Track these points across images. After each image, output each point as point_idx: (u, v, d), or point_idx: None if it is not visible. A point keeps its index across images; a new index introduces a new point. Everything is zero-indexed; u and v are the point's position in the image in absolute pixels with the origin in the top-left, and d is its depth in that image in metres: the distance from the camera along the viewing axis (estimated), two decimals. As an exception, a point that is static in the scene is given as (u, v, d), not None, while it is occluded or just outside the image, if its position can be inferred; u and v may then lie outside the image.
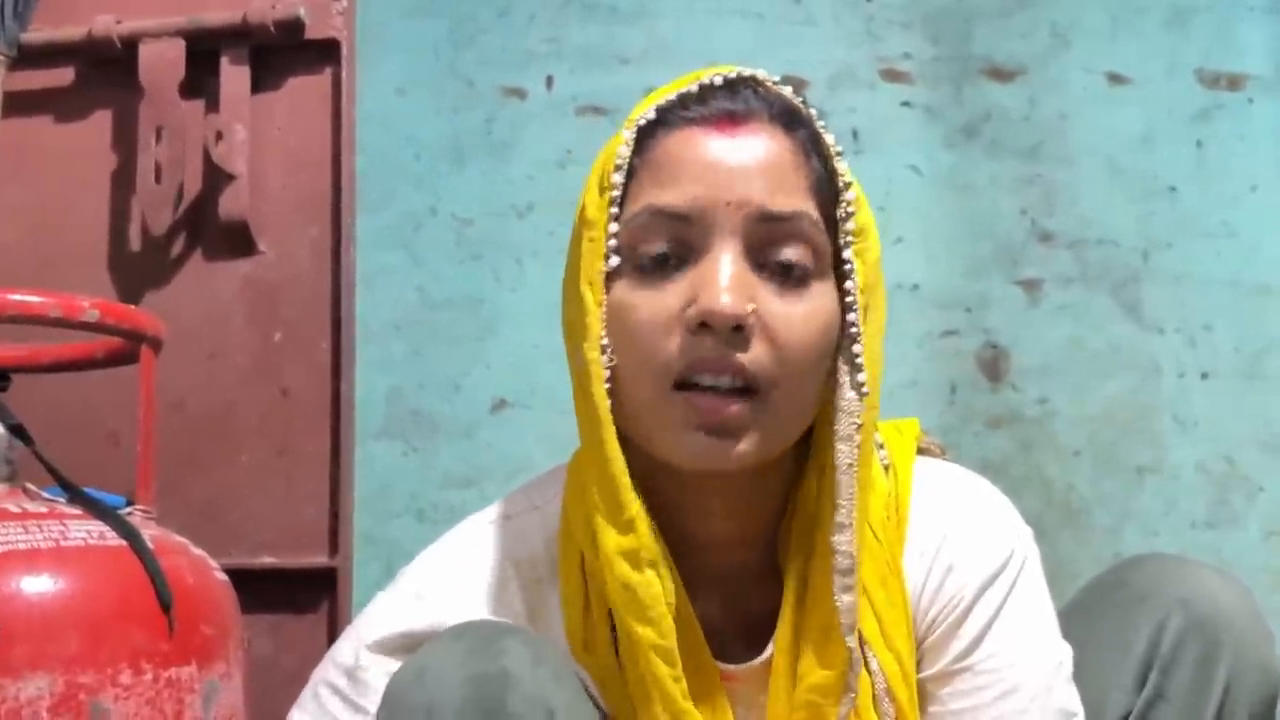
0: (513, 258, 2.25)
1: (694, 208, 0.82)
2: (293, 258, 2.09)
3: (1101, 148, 2.24)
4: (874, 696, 0.88)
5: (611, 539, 0.83)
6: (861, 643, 0.88)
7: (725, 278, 0.81)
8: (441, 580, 0.93)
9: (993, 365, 2.21)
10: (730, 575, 0.91)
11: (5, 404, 1.47)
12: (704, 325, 0.80)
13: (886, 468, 0.95)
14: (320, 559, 2.01)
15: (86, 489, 1.49)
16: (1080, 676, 0.91)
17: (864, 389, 0.85)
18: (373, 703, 0.86)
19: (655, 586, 0.82)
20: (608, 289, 0.85)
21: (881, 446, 0.96)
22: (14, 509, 1.38)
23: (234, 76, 2.07)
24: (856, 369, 0.85)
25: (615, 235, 0.85)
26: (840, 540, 0.84)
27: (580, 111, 2.28)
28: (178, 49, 2.05)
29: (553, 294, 2.20)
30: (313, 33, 2.09)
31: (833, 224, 0.86)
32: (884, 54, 2.27)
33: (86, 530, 1.39)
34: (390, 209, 2.25)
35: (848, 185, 0.87)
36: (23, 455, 1.46)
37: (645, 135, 0.86)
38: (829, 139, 0.88)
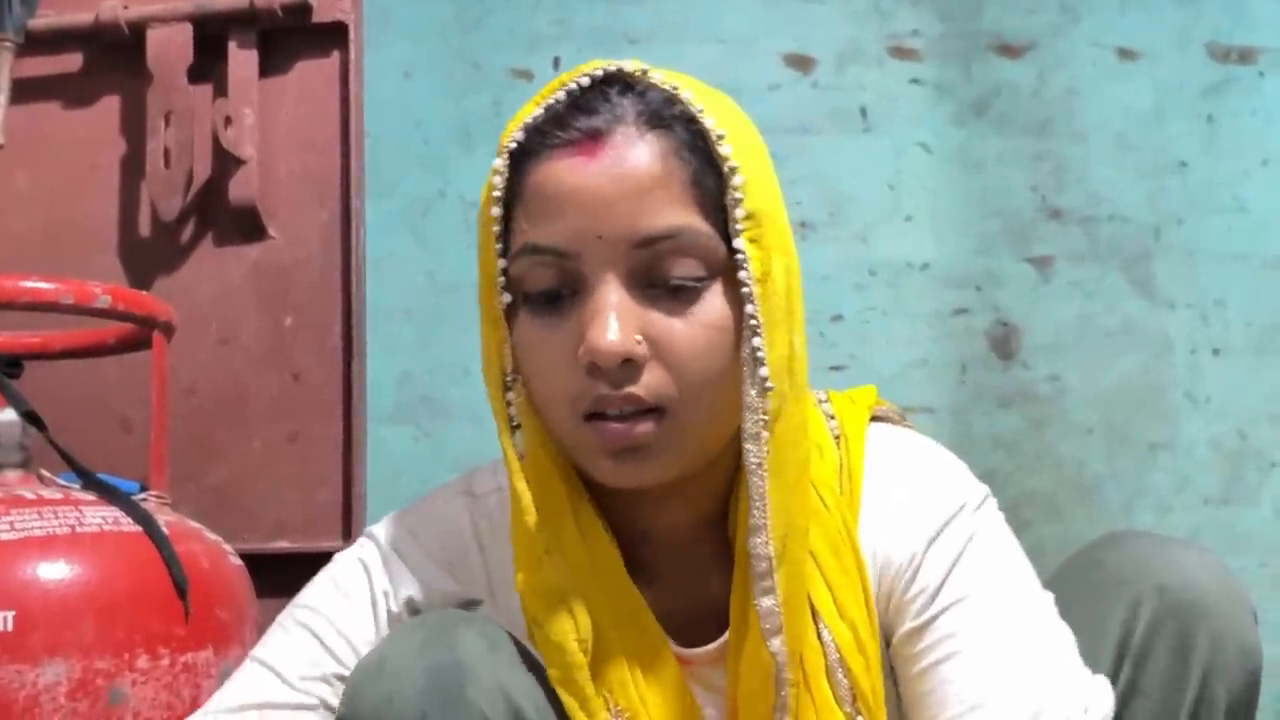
0: (522, 240, 2.24)
1: (570, 244, 0.81)
2: (303, 242, 2.09)
3: (1112, 123, 2.23)
4: (827, 668, 0.88)
5: (520, 575, 0.86)
6: (814, 613, 0.88)
7: (608, 315, 0.80)
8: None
9: (1004, 343, 2.21)
10: (685, 559, 0.91)
11: (18, 391, 1.48)
12: (594, 365, 0.80)
13: (837, 438, 0.95)
14: (334, 543, 2.01)
15: (100, 475, 1.49)
16: None
17: (767, 384, 0.83)
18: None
19: (565, 628, 0.84)
20: (511, 320, 0.85)
21: (833, 418, 0.96)
22: (29, 495, 1.39)
23: (242, 61, 2.07)
24: (758, 363, 0.82)
25: (504, 271, 0.85)
26: (756, 543, 0.84)
27: (587, 92, 2.27)
28: (185, 34, 2.05)
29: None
30: (320, 16, 2.09)
31: (723, 213, 0.83)
32: (892, 31, 2.26)
33: (102, 516, 1.39)
34: (398, 193, 2.24)
35: (734, 170, 0.83)
36: (37, 442, 1.47)
37: (517, 161, 0.84)
38: (709, 123, 0.83)
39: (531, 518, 0.85)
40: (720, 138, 0.83)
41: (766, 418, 0.83)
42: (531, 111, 0.85)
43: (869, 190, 2.17)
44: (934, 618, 0.87)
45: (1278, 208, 2.21)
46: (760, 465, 0.83)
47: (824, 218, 2.14)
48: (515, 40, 2.28)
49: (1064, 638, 0.87)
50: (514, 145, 0.85)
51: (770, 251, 0.84)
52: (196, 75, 2.07)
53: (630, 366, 0.81)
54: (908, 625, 0.89)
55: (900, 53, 2.25)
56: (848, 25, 2.25)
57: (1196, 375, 2.19)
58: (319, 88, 2.11)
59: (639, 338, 0.81)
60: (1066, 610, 0.88)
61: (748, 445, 0.83)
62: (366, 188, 2.14)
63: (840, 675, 0.88)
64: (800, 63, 2.22)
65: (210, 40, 2.07)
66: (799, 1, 2.26)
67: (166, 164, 2.05)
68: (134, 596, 1.35)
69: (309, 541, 2.02)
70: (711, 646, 0.89)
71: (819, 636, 0.88)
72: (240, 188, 2.05)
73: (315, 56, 2.11)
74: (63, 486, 1.46)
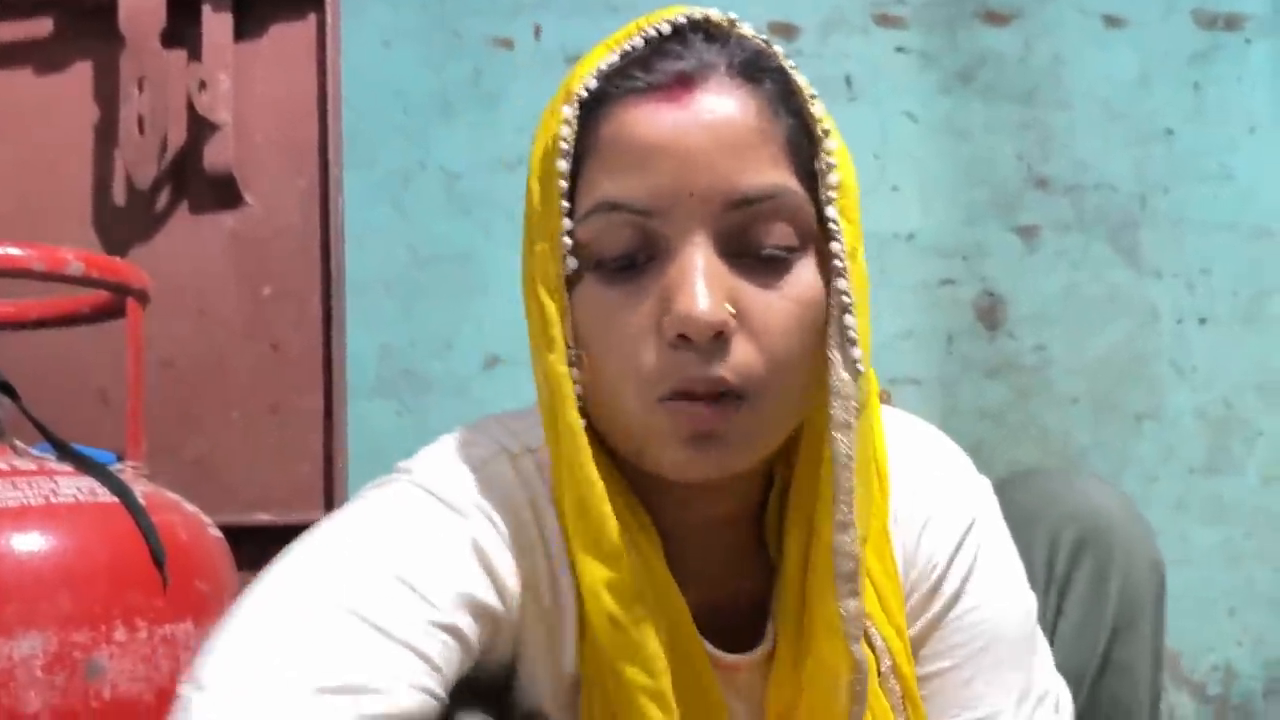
0: (503, 212, 2.22)
1: (656, 201, 0.73)
2: (281, 210, 2.06)
3: (1097, 91, 2.23)
4: (879, 674, 0.82)
5: (592, 569, 0.76)
6: (866, 615, 0.81)
7: (699, 281, 0.71)
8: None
9: (990, 313, 2.20)
10: (715, 557, 0.84)
11: (-9, 360, 1.45)
12: (682, 337, 0.72)
13: None
14: (315, 515, 1.98)
15: (76, 446, 1.46)
16: None
17: (859, 366, 0.75)
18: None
19: (646, 624, 0.76)
20: (571, 290, 0.76)
21: None
22: (3, 466, 1.36)
23: (216, 24, 2.03)
24: (850, 343, 0.75)
25: (569, 233, 0.75)
26: (843, 540, 0.76)
27: (569, 61, 2.24)
28: (158, -3, 2.02)
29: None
30: (296, -22, 2.05)
31: (812, 179, 0.76)
32: (877, -1, 2.24)
33: (77, 487, 1.37)
34: (378, 164, 2.22)
35: (826, 133, 0.77)
36: (10, 412, 1.44)
37: (589, 109, 0.75)
38: (801, 81, 0.77)
39: (608, 507, 0.75)
40: (813, 97, 0.77)
41: (857, 405, 0.76)
42: (604, 56, 0.76)
43: (854, 160, 2.15)
44: (949, 622, 0.85)
45: (1264, 175, 2.21)
46: (850, 457, 0.76)
47: (809, 186, 2.12)
48: (495, 8, 2.26)
49: (1044, 644, 0.89)
50: (585, 93, 0.75)
51: (857, 226, 0.78)
52: (170, 39, 2.02)
53: (720, 341, 0.72)
54: (919, 625, 0.85)
55: (885, 20, 2.24)
56: (832, -8, 2.23)
57: (1182, 344, 2.19)
58: (296, 53, 2.07)
59: (731, 308, 0.72)
60: None
61: (837, 435, 0.75)
62: (345, 158, 2.11)
63: (893, 681, 0.83)
64: (784, 31, 2.20)
65: (183, 4, 2.03)
66: (783, -32, 2.24)
67: (140, 130, 2.01)
68: (111, 568, 1.33)
69: (289, 514, 2.00)
70: (758, 652, 0.83)
71: (870, 644, 0.82)
72: (216, 154, 2.02)
73: (291, 20, 2.07)
74: (37, 458, 1.43)
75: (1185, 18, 2.23)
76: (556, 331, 0.76)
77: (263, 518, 2.00)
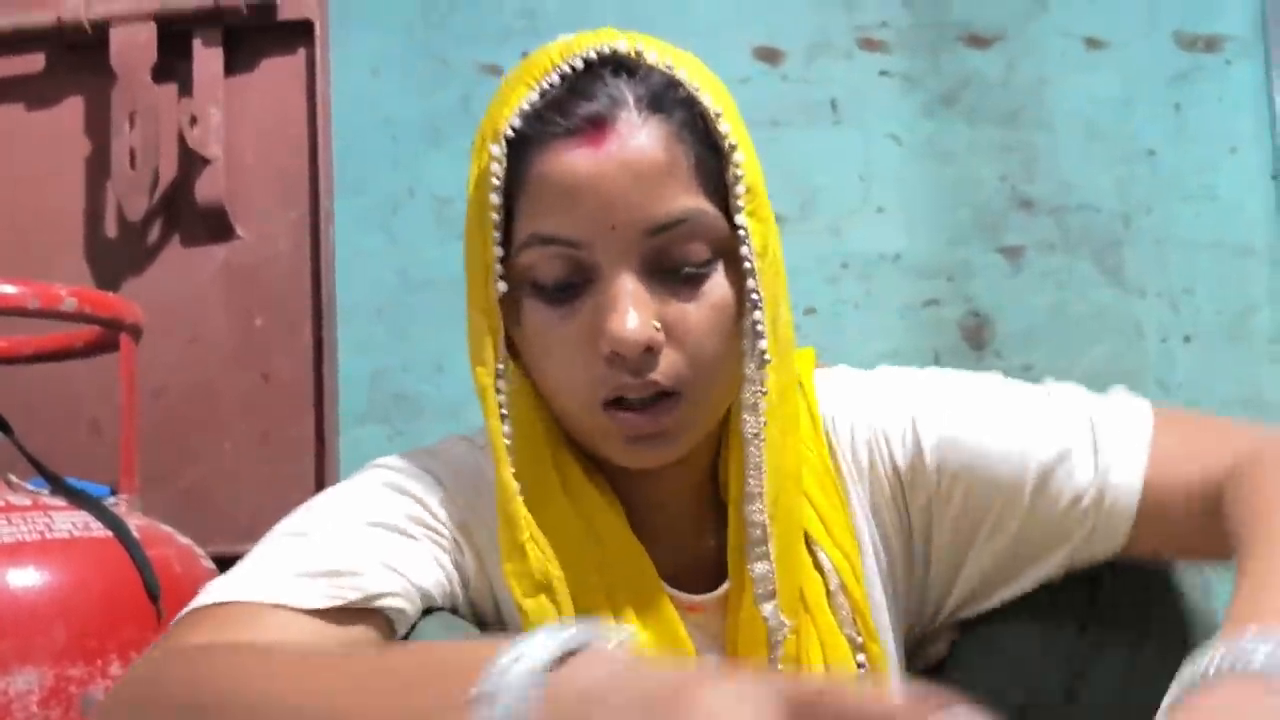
0: (493, 236, 2.24)
1: (582, 235, 0.81)
2: (272, 241, 2.08)
3: (1080, 112, 2.24)
4: (828, 593, 0.91)
5: (505, 561, 0.86)
6: (810, 543, 0.91)
7: (626, 304, 0.81)
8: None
9: (976, 333, 2.21)
10: (682, 520, 0.93)
11: (-15, 396, 1.46)
12: (615, 354, 0.81)
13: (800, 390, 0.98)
14: (307, 544, 2.00)
15: (70, 479, 1.48)
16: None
17: (765, 356, 0.85)
18: None
19: (543, 611, 0.85)
20: (515, 309, 0.85)
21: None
22: (-3, 502, 1.37)
23: (207, 59, 2.05)
24: (758, 336, 0.85)
25: (502, 260, 0.84)
26: (751, 510, 0.87)
27: (557, 87, 2.27)
28: (149, 32, 2.03)
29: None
30: (285, 13, 2.08)
31: (723, 190, 0.84)
32: (861, 22, 2.26)
33: (71, 522, 1.38)
34: (368, 191, 2.23)
35: (734, 147, 0.84)
36: (4, 447, 1.45)
37: (515, 146, 0.83)
38: (707, 103, 0.84)
39: (517, 505, 0.86)
40: (718, 116, 0.84)
41: (764, 389, 0.86)
42: (525, 95, 0.83)
43: (840, 182, 2.17)
44: (941, 482, 0.92)
45: (1246, 194, 2.23)
46: (757, 435, 0.86)
47: (795, 210, 2.14)
48: (483, 35, 2.27)
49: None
50: (511, 133, 0.82)
51: (766, 224, 0.86)
52: (161, 74, 2.05)
53: (650, 354, 0.82)
54: (919, 502, 0.93)
55: (869, 44, 2.25)
56: (816, 17, 2.25)
57: (1168, 363, 2.20)
58: (285, 86, 2.09)
59: (656, 324, 0.82)
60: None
61: (745, 416, 0.86)
62: (336, 186, 2.13)
63: (841, 599, 0.91)
64: (769, 55, 2.22)
65: (174, 39, 2.05)
66: (768, -7, 2.26)
67: (132, 164, 2.03)
68: (105, 603, 1.35)
69: (282, 543, 2.01)
70: (712, 595, 0.92)
71: (817, 565, 0.91)
72: (207, 187, 2.04)
73: (281, 54, 2.10)
74: (31, 492, 1.45)
75: (1166, 39, 2.25)
76: (485, 348, 0.86)
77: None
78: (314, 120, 2.07)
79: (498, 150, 0.82)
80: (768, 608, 0.88)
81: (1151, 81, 2.24)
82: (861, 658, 0.91)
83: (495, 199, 0.83)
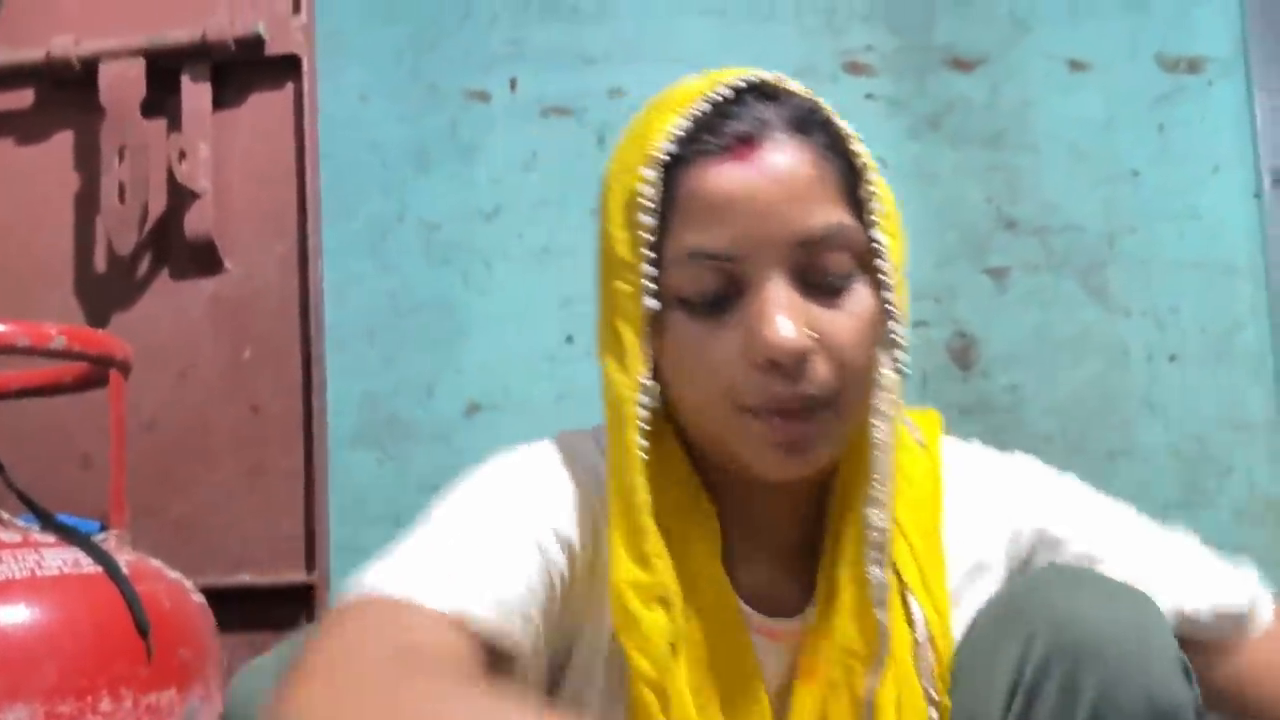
0: (481, 261, 2.25)
1: (736, 248, 0.84)
2: (260, 274, 2.09)
3: (1064, 134, 2.25)
4: (913, 643, 0.91)
5: (624, 569, 0.86)
6: (904, 589, 0.92)
7: (782, 313, 0.83)
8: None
9: (963, 354, 2.23)
10: (776, 538, 0.94)
11: (-26, 435, 1.47)
12: (771, 362, 0.83)
13: (923, 447, 1.00)
14: (297, 575, 2.01)
15: (60, 515, 1.49)
16: (958, 684, 0.90)
17: (900, 366, 0.88)
18: None
19: (661, 624, 0.86)
20: (658, 324, 0.87)
21: (915, 429, 1.01)
22: (-12, 540, 1.38)
23: (195, 94, 2.06)
24: (895, 345, 0.88)
25: (652, 277, 0.86)
26: (874, 514, 0.88)
27: (544, 113, 2.29)
28: (138, 68, 2.05)
29: (522, 296, 2.24)
30: (273, 48, 2.09)
31: (859, 208, 0.87)
32: (846, 47, 2.27)
33: (61, 559, 1.39)
34: (358, 216, 2.25)
35: (867, 167, 0.88)
36: (-5, 485, 1.46)
37: (664, 168, 0.86)
38: (842, 125, 0.89)
39: (647, 518, 0.86)
40: (853, 136, 0.88)
41: (895, 398, 0.89)
42: (673, 121, 0.86)
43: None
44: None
45: (1229, 214, 2.24)
46: (886, 442, 0.89)
47: (781, 235, 2.15)
48: (471, 62, 2.29)
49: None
50: (665, 156, 0.86)
51: (898, 240, 0.89)
52: (150, 109, 2.06)
53: (805, 361, 0.84)
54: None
55: (854, 68, 2.27)
56: (802, 42, 2.27)
57: (1153, 382, 2.21)
58: (273, 120, 2.11)
59: (810, 332, 0.84)
60: (973, 637, 0.91)
61: (877, 422, 0.89)
62: (326, 211, 2.14)
63: (927, 653, 0.91)
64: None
65: (163, 74, 2.06)
66: (753, 20, 2.28)
67: (121, 199, 2.04)
68: (96, 639, 1.36)
69: (272, 574, 2.02)
70: (798, 619, 0.92)
71: (907, 610, 0.92)
72: (196, 221, 2.05)
73: (269, 89, 2.11)
74: (21, 529, 1.46)
75: (1149, 61, 2.27)
76: (633, 361, 0.87)
77: (245, 578, 2.02)
78: (302, 154, 2.09)
79: (650, 173, 0.86)
80: (882, 613, 0.88)
81: (1134, 103, 2.26)
82: (934, 714, 0.90)
83: (648, 219, 0.86)
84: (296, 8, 2.11)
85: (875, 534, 0.89)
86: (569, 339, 2.24)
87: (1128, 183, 2.25)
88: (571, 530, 0.88)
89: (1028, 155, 2.26)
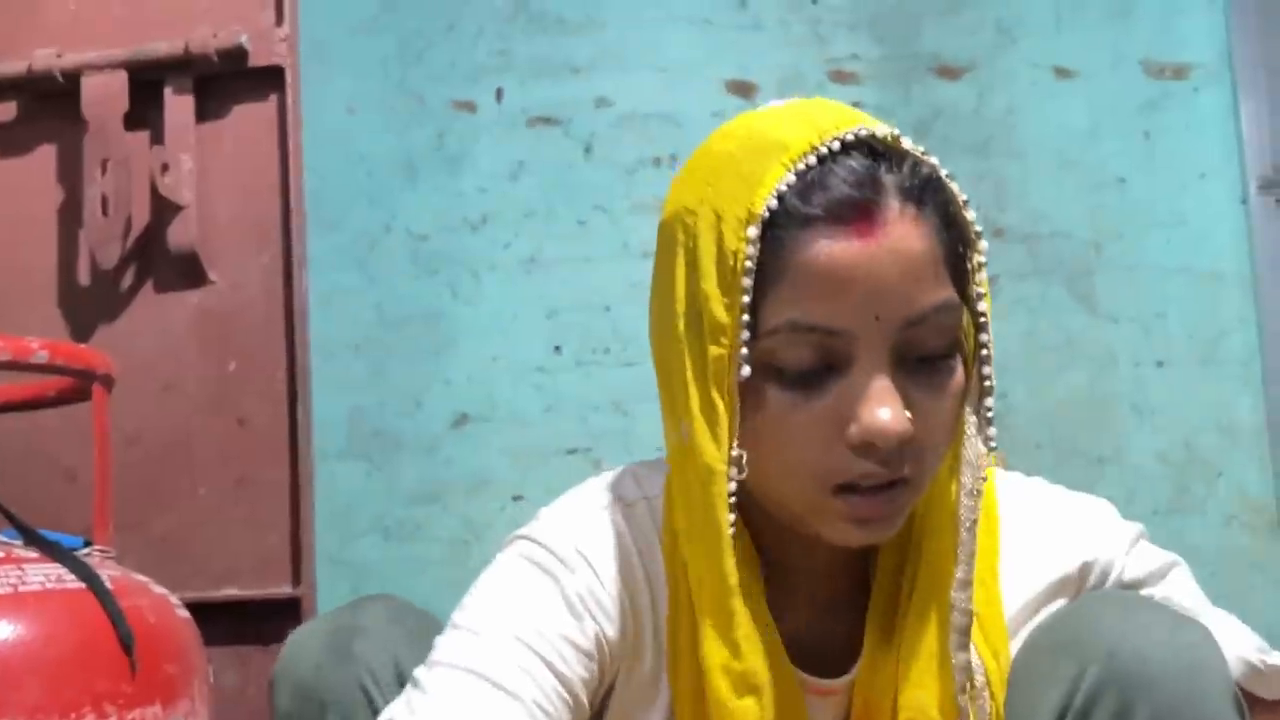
0: (468, 271, 2.25)
1: (844, 325, 0.79)
2: (244, 286, 2.08)
3: (1050, 141, 2.26)
4: (974, 688, 0.89)
5: (716, 654, 0.85)
6: None
7: (885, 396, 0.79)
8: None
9: (951, 362, 2.23)
10: (819, 592, 0.92)
11: (-44, 450, 1.47)
12: (868, 444, 0.79)
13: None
14: (283, 588, 2.00)
15: (43, 530, 1.48)
16: (1008, 706, 0.89)
17: (992, 443, 0.84)
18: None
19: (753, 713, 0.84)
20: (743, 389, 0.82)
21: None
22: (-31, 556, 1.37)
23: (178, 107, 2.06)
24: (987, 423, 0.84)
25: (747, 344, 0.81)
26: (960, 598, 0.85)
27: (531, 123, 2.29)
28: (120, 81, 2.04)
29: (510, 306, 2.23)
30: (256, 60, 2.08)
31: (965, 277, 0.83)
32: (832, 55, 2.28)
33: (44, 574, 1.38)
34: (344, 228, 2.25)
35: (979, 235, 0.83)
36: (-24, 500, 1.45)
37: (766, 225, 0.80)
38: (954, 188, 0.82)
39: (738, 600, 0.84)
40: (965, 203, 0.83)
41: (985, 476, 0.85)
42: (779, 175, 0.80)
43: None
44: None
45: (1216, 220, 2.24)
46: (975, 522, 0.85)
47: (768, 244, 2.15)
48: (457, 72, 2.29)
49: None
50: (767, 214, 0.80)
51: (990, 305, 0.85)
52: (133, 122, 2.05)
53: (902, 446, 0.80)
54: None
55: (840, 76, 2.27)
56: (788, 51, 2.27)
57: (1141, 388, 2.22)
58: (257, 132, 2.10)
59: (910, 417, 0.80)
60: (1025, 662, 0.89)
61: (965, 501, 0.86)
62: (312, 222, 2.13)
63: (985, 700, 0.88)
64: (742, 89, 2.23)
65: (146, 87, 2.06)
66: (738, 29, 2.28)
67: (104, 211, 2.03)
68: (79, 655, 1.34)
69: (258, 588, 2.01)
70: (847, 678, 0.90)
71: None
72: (179, 234, 2.04)
73: (252, 100, 2.10)
74: (4, 544, 1.45)
75: (1134, 68, 2.27)
76: (724, 432, 0.82)
77: (231, 592, 2.01)
78: (285, 165, 2.08)
79: (754, 233, 0.80)
80: (963, 700, 0.85)
81: (1120, 110, 2.26)
82: None
83: (748, 282, 0.80)
84: (280, 19, 2.10)
85: (962, 617, 0.85)
86: (557, 349, 2.24)
87: (1114, 190, 2.25)
88: (605, 629, 0.88)
89: (1014, 163, 2.27)
